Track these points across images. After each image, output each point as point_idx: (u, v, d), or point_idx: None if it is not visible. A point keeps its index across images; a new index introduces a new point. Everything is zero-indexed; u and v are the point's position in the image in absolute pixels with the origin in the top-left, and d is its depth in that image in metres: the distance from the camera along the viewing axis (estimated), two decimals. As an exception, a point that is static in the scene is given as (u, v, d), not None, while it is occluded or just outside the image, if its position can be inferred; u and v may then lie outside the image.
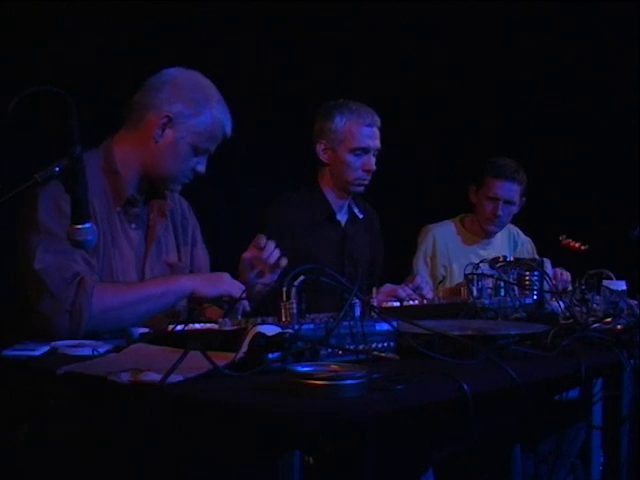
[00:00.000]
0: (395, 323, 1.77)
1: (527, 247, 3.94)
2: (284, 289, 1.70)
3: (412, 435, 1.89)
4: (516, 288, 2.55)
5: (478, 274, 2.48)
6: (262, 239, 2.39)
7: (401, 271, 3.55)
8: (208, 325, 1.85)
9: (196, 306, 2.24)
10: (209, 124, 2.30)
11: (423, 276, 3.34)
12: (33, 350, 1.82)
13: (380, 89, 4.33)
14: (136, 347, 1.83)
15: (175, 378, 1.47)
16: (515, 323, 2.26)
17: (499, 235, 3.87)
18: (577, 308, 2.29)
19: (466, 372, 1.58)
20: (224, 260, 2.56)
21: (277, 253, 2.38)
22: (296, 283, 1.71)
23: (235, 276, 2.29)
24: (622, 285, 2.46)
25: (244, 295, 2.14)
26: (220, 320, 1.80)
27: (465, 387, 1.49)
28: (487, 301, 2.43)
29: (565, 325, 2.17)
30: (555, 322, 2.20)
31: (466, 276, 2.48)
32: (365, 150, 3.08)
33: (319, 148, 3.13)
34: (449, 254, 3.75)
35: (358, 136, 3.07)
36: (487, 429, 1.91)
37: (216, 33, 3.94)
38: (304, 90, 4.21)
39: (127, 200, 2.29)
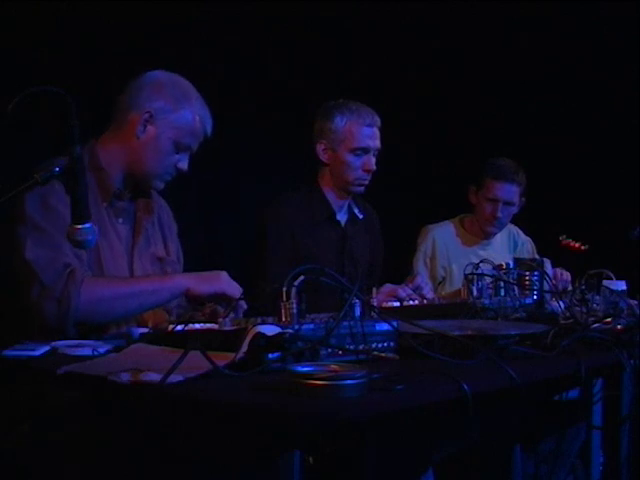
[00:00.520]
0: (395, 323, 1.77)
1: (527, 247, 3.94)
2: (284, 289, 1.70)
3: (412, 435, 1.89)
4: (516, 288, 2.55)
5: (478, 274, 2.48)
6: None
7: (401, 271, 3.55)
8: (208, 325, 1.85)
9: (197, 306, 2.24)
10: (190, 120, 2.34)
11: (423, 276, 3.33)
12: (33, 350, 1.82)
13: (380, 89, 4.34)
14: (136, 347, 1.83)
15: (175, 378, 1.47)
16: (515, 323, 2.26)
17: (499, 235, 3.86)
18: (577, 308, 2.29)
19: (466, 372, 1.58)
20: (224, 260, 2.55)
21: None
22: (296, 283, 1.70)
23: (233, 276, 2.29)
24: (622, 285, 2.46)
25: (242, 296, 2.14)
26: (220, 320, 1.81)
27: (465, 387, 1.49)
28: (487, 301, 2.43)
29: (565, 325, 2.17)
30: (555, 322, 2.20)
31: (466, 276, 2.48)
32: (365, 150, 3.08)
33: (319, 148, 3.13)
34: (449, 255, 3.75)
35: (358, 136, 3.07)
36: (487, 429, 1.90)
37: (216, 33, 3.95)
38: (304, 90, 4.21)
39: (114, 194, 2.32)
